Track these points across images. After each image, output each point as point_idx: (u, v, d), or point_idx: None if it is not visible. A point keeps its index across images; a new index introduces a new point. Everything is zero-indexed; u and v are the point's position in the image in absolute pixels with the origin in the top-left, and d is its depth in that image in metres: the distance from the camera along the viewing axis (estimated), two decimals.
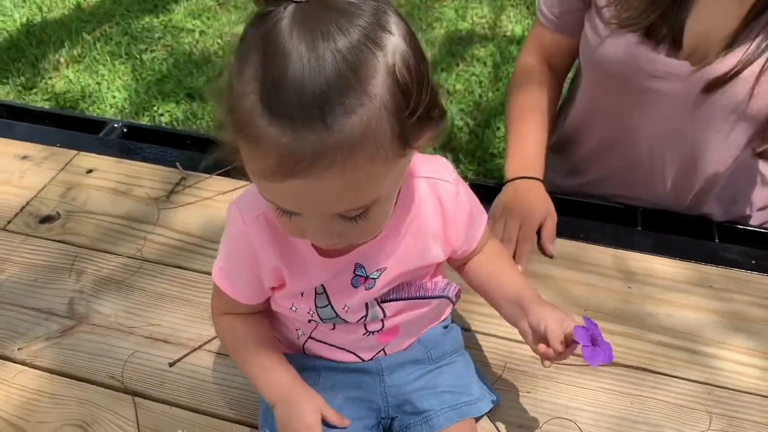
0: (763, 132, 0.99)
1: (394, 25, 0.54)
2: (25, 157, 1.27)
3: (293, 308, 0.75)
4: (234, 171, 0.61)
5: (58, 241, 1.12)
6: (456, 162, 2.36)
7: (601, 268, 1.05)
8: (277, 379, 0.77)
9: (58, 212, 1.16)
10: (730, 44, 0.93)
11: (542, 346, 0.73)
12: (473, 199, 0.78)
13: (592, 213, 1.14)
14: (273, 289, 0.75)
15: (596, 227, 1.11)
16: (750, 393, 0.89)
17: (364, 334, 0.78)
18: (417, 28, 2.16)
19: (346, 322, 0.76)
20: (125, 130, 1.35)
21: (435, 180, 0.72)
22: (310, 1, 0.52)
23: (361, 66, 0.51)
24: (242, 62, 0.54)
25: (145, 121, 2.58)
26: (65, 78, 2.79)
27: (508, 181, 1.10)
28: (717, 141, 1.03)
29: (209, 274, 1.05)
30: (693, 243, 1.08)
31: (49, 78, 2.80)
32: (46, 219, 1.15)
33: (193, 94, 2.67)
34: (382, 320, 0.77)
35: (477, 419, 0.84)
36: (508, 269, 0.83)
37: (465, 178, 2.28)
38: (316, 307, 0.74)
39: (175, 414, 0.88)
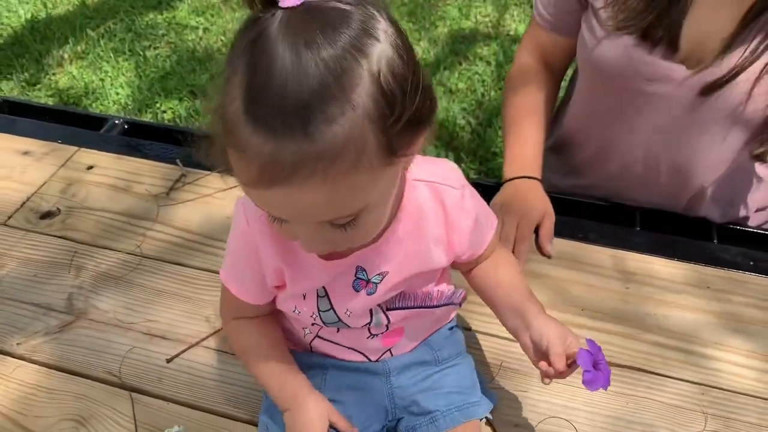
0: (760, 135, 0.99)
1: (381, 31, 0.54)
2: (26, 153, 1.28)
3: (296, 311, 0.75)
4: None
5: (58, 237, 1.12)
6: (458, 161, 2.36)
7: (600, 268, 1.05)
8: (288, 384, 0.78)
9: (58, 208, 1.17)
10: (727, 47, 0.92)
11: (543, 364, 0.72)
12: (480, 205, 0.78)
13: (591, 213, 1.14)
14: (276, 288, 0.76)
15: (595, 227, 1.11)
16: (746, 394, 0.89)
17: (368, 337, 0.78)
18: (420, 27, 2.16)
19: (349, 327, 0.76)
20: (126, 127, 1.36)
21: (439, 185, 0.72)
22: (297, 8, 0.52)
23: (343, 74, 0.51)
24: (231, 68, 0.54)
25: (147, 117, 2.59)
26: (69, 74, 2.79)
27: (507, 181, 1.11)
28: (713, 144, 1.03)
29: (208, 271, 1.06)
30: (691, 244, 1.08)
31: (53, 74, 2.81)
32: (47, 215, 1.16)
33: (195, 91, 2.68)
34: (386, 326, 0.78)
35: (481, 419, 0.85)
36: (514, 278, 0.82)
37: (466, 176, 2.27)
38: (319, 310, 0.74)
39: (172, 410, 0.89)
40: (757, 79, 0.92)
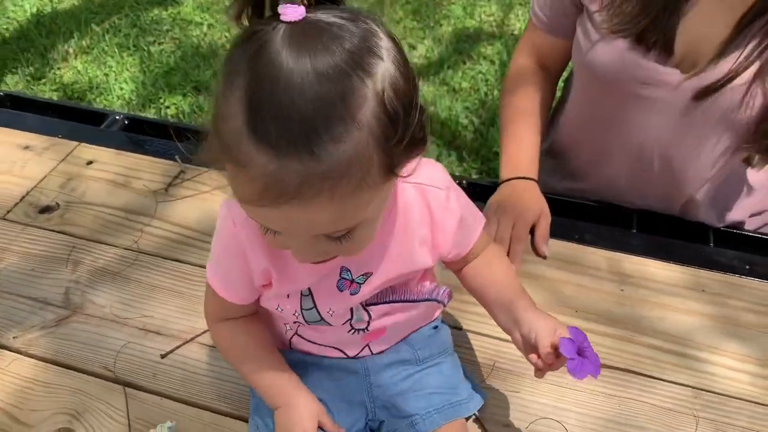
0: (747, 139, 0.98)
1: (384, 49, 0.54)
2: (27, 147, 1.29)
3: (279, 309, 0.76)
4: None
5: (57, 232, 1.13)
6: (459, 160, 2.36)
7: (595, 270, 1.05)
8: (277, 382, 0.78)
9: (57, 203, 1.18)
10: (721, 52, 0.92)
11: (533, 357, 0.73)
12: (466, 205, 0.78)
13: (588, 214, 1.14)
14: (263, 287, 0.76)
15: (591, 228, 1.11)
16: (738, 398, 0.89)
17: (349, 332, 0.79)
18: (424, 25, 2.16)
19: (330, 325, 0.76)
20: (127, 123, 1.36)
21: (424, 186, 0.72)
22: (299, 22, 0.52)
23: (349, 94, 0.51)
24: (229, 82, 0.53)
25: (151, 113, 2.60)
26: (73, 69, 2.80)
27: (503, 182, 1.11)
28: (706, 148, 1.03)
29: (204, 267, 1.06)
30: (688, 247, 1.08)
31: (58, 68, 2.82)
32: (46, 209, 1.16)
33: (199, 87, 2.68)
34: (367, 322, 0.78)
35: (467, 419, 0.85)
36: (504, 275, 0.83)
37: (468, 176, 2.27)
38: (302, 309, 0.75)
39: (165, 405, 0.89)
40: (750, 84, 0.92)
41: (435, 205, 0.73)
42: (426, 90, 2.64)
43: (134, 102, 2.65)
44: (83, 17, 3.06)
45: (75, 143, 1.29)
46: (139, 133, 1.33)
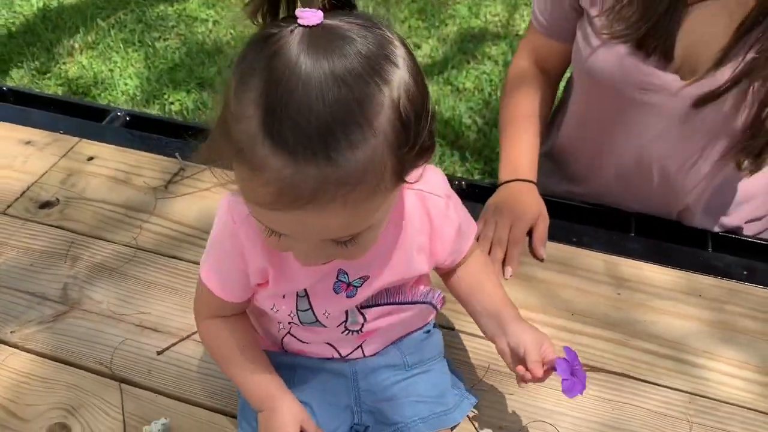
0: (740, 144, 0.98)
1: (400, 57, 0.54)
2: (28, 143, 1.29)
3: (274, 309, 0.76)
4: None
5: (56, 227, 1.13)
6: (462, 160, 2.36)
7: (592, 273, 1.05)
8: (263, 385, 0.78)
9: (57, 198, 1.18)
10: (721, 60, 0.92)
11: (521, 368, 0.74)
12: (463, 214, 0.78)
13: (586, 217, 1.14)
14: (259, 285, 0.76)
15: (589, 231, 1.11)
16: (732, 404, 0.89)
17: (343, 332, 0.79)
18: (429, 24, 2.17)
19: (324, 326, 0.77)
20: (128, 119, 1.37)
21: (425, 193, 0.72)
22: (317, 27, 0.52)
23: (367, 100, 0.51)
24: (243, 83, 0.53)
25: (155, 109, 2.61)
26: (79, 64, 2.81)
27: (502, 184, 1.11)
28: (703, 154, 1.03)
29: None
30: (685, 251, 1.08)
31: (63, 63, 2.83)
32: (46, 204, 1.17)
33: (203, 84, 2.69)
34: (361, 324, 0.78)
35: (453, 428, 0.85)
36: (491, 283, 0.83)
37: (470, 176, 2.27)
38: (297, 310, 0.75)
39: (160, 402, 0.90)
40: (748, 92, 0.91)
41: (435, 212, 0.73)
42: (430, 89, 2.63)
43: (138, 98, 2.66)
44: (89, 12, 3.07)
45: (76, 139, 1.29)
46: (141, 130, 1.34)
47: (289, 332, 0.81)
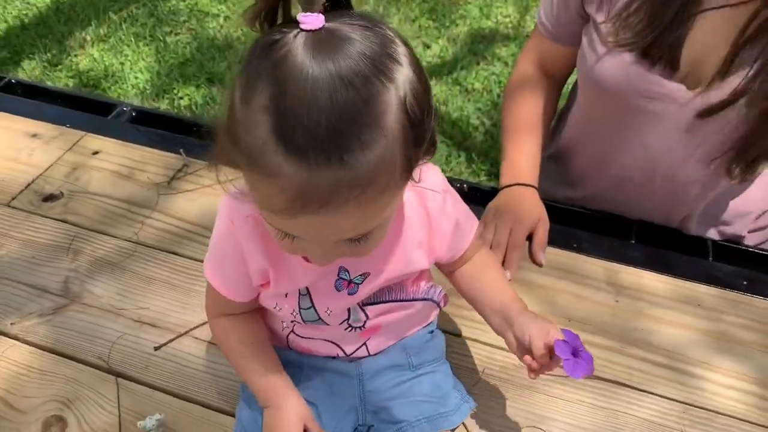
0: (734, 151, 0.98)
1: (402, 55, 0.55)
2: (34, 135, 1.30)
3: (277, 308, 0.76)
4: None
5: (59, 220, 1.14)
6: (468, 161, 2.36)
7: (591, 280, 1.05)
8: (272, 383, 0.79)
9: (61, 191, 1.19)
10: (726, 70, 0.91)
11: (527, 358, 0.74)
12: (461, 209, 0.79)
13: (587, 223, 1.14)
14: (261, 286, 0.76)
15: (589, 238, 1.11)
16: (727, 415, 0.88)
17: (346, 329, 0.79)
18: (439, 24, 2.16)
19: (327, 324, 0.77)
20: (134, 114, 1.37)
21: (422, 190, 0.72)
22: (319, 31, 0.52)
23: (374, 100, 0.52)
24: (249, 90, 0.53)
25: (164, 103, 2.62)
26: (90, 56, 2.83)
27: (503, 188, 1.11)
28: (708, 164, 1.02)
29: (202, 261, 1.07)
30: (685, 260, 1.07)
31: (75, 56, 2.85)
32: (49, 197, 1.18)
33: (213, 79, 2.70)
34: (364, 321, 0.78)
35: (452, 430, 0.85)
36: (496, 279, 0.83)
37: (476, 177, 2.26)
38: (300, 308, 0.75)
39: (156, 397, 0.90)
40: (751, 103, 0.91)
41: (432, 208, 0.73)
42: (438, 89, 2.64)
43: (148, 92, 2.67)
44: (102, 5, 3.08)
45: (82, 133, 1.30)
46: (147, 125, 1.34)
47: (292, 330, 0.81)
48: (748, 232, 1.16)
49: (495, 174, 2.33)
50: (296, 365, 0.83)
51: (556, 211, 1.11)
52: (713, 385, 0.92)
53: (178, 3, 3.13)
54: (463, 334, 0.98)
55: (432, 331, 0.88)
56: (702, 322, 0.99)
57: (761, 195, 1.12)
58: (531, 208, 1.08)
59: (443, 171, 2.43)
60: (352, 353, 0.83)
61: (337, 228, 0.57)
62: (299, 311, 0.75)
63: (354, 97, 0.50)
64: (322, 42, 0.51)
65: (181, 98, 2.62)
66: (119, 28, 2.97)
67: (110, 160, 1.25)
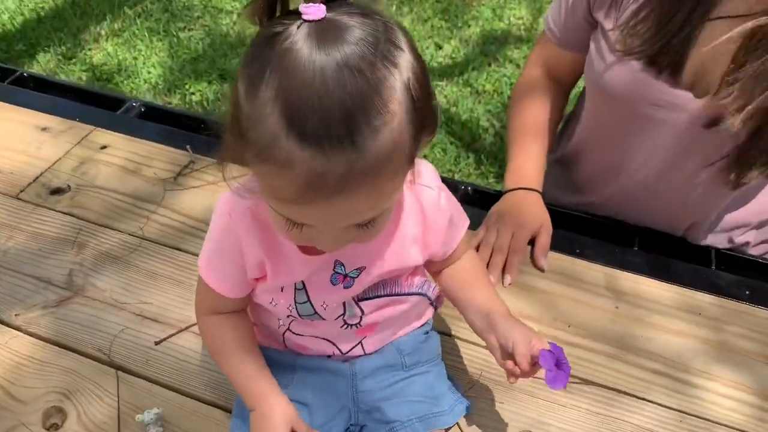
0: (732, 157, 0.97)
1: (402, 40, 0.56)
2: (44, 129, 1.32)
3: (273, 303, 0.77)
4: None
5: (66, 214, 1.15)
6: (477, 163, 2.36)
7: (591, 286, 1.05)
8: (256, 385, 0.79)
9: (68, 185, 1.20)
10: (731, 80, 0.91)
11: (510, 363, 0.75)
12: (454, 205, 0.80)
13: (590, 229, 1.14)
14: (256, 280, 0.77)
15: (592, 243, 1.11)
16: (723, 425, 0.88)
17: (342, 326, 0.80)
18: (452, 25, 2.15)
19: (323, 319, 0.78)
20: (143, 110, 1.39)
21: (418, 186, 0.73)
22: (321, 21, 0.53)
23: (381, 85, 0.53)
24: (254, 83, 0.53)
25: (176, 98, 2.64)
26: (104, 51, 2.85)
27: (507, 191, 1.11)
28: (711, 172, 1.02)
29: None
30: (688, 268, 1.07)
31: (89, 49, 2.87)
32: (57, 191, 1.19)
33: (225, 75, 2.71)
34: (359, 317, 0.79)
35: (447, 430, 0.85)
36: (481, 282, 0.84)
37: (485, 179, 2.25)
38: (296, 302, 0.76)
39: (155, 392, 0.91)
40: (756, 112, 0.90)
41: (427, 204, 0.74)
42: (449, 90, 2.64)
43: (160, 86, 2.69)
44: (117, 0, 3.10)
45: (91, 127, 1.32)
46: (155, 121, 1.35)
47: (288, 328, 0.82)
48: (754, 246, 1.15)
49: (503, 176, 2.32)
50: (289, 366, 0.84)
51: (559, 215, 1.11)
52: (711, 395, 0.92)
53: None
54: (461, 336, 0.98)
55: (427, 332, 0.89)
56: (702, 331, 0.99)
57: None
58: (534, 213, 1.08)
59: (452, 172, 2.43)
60: (347, 352, 0.83)
61: (349, 213, 0.58)
62: (295, 306, 0.76)
63: (361, 83, 0.51)
64: (326, 31, 0.52)
65: (192, 94, 2.64)
66: (133, 23, 2.99)
67: (118, 155, 1.26)
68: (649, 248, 1.10)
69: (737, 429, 0.88)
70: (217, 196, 1.16)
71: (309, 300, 0.75)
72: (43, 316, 1.00)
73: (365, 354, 0.84)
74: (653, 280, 1.05)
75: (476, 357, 0.95)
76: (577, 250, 1.10)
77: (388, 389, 0.83)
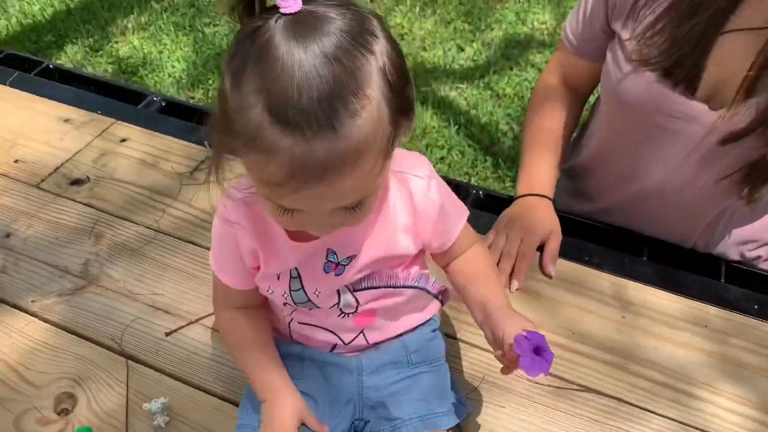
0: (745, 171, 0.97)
1: (377, 28, 0.59)
2: (67, 120, 1.35)
3: (270, 290, 0.79)
4: None
5: (84, 204, 1.18)
6: (495, 166, 2.36)
7: (598, 294, 1.05)
8: (269, 378, 0.82)
9: (88, 176, 1.23)
10: (747, 93, 0.91)
11: (499, 353, 0.75)
12: (448, 196, 0.81)
13: (599, 237, 1.14)
14: (254, 269, 0.79)
15: (601, 252, 1.11)
16: None
17: (339, 316, 0.81)
18: (475, 27, 2.16)
19: (318, 307, 0.80)
20: (163, 104, 1.41)
21: (407, 175, 0.76)
22: (298, 13, 0.56)
23: (357, 72, 0.56)
24: (238, 77, 0.56)
25: (199, 93, 2.67)
26: (130, 44, 2.89)
27: (518, 197, 1.11)
28: (724, 185, 1.01)
29: None
30: (696, 280, 1.06)
31: (116, 42, 2.92)
32: (76, 182, 1.22)
33: None
34: (355, 307, 0.81)
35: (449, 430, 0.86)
36: (485, 275, 0.85)
37: (501, 183, 2.24)
38: (290, 290, 0.78)
39: (164, 382, 0.93)
40: None
41: (417, 193, 0.76)
42: (469, 93, 2.64)
43: (184, 81, 2.72)
44: None
45: (112, 120, 1.34)
46: (174, 116, 1.38)
47: (292, 318, 0.84)
48: (764, 261, 1.15)
49: None
50: (298, 358, 0.86)
51: (569, 223, 1.11)
52: (714, 408, 0.92)
53: None
54: (465, 339, 0.99)
55: (434, 330, 0.90)
56: (707, 344, 0.99)
57: None
58: (544, 219, 1.08)
59: (468, 175, 2.43)
60: (350, 342, 0.85)
61: (334, 195, 0.60)
62: (290, 293, 0.78)
63: (338, 71, 0.54)
64: (303, 23, 0.55)
65: (215, 89, 2.66)
66: (160, 17, 3.03)
67: (137, 149, 1.29)
68: (658, 259, 1.10)
69: None
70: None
71: (303, 287, 0.78)
72: (58, 304, 1.03)
73: (368, 345, 0.86)
74: (661, 290, 1.05)
75: (479, 360, 0.96)
76: (586, 258, 1.10)
77: (393, 386, 0.85)
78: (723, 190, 1.02)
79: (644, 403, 0.92)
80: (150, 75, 2.75)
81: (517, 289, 1.04)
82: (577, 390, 0.93)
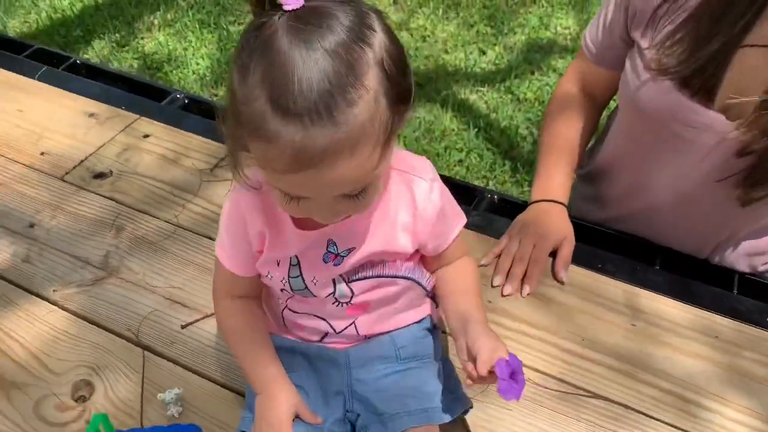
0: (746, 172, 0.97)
1: (376, 22, 0.62)
2: (92, 115, 1.38)
3: (269, 275, 0.82)
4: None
5: (106, 197, 1.21)
6: (513, 170, 2.36)
7: (609, 302, 1.05)
8: (264, 370, 0.84)
9: (111, 170, 1.26)
10: (764, 109, 0.91)
11: (470, 365, 0.76)
12: (448, 200, 0.83)
13: (613, 244, 1.14)
14: (259, 252, 0.81)
15: (614, 259, 1.11)
16: None
17: (334, 304, 0.83)
18: (497, 31, 2.16)
19: (314, 296, 0.81)
20: (186, 102, 1.44)
21: (411, 176, 0.78)
22: (300, 9, 0.59)
23: (355, 64, 0.59)
24: (244, 70, 0.60)
25: (222, 91, 2.70)
26: (155, 40, 2.94)
27: (532, 203, 1.12)
28: (723, 186, 1.01)
29: None
30: (708, 291, 1.07)
31: (141, 38, 2.96)
32: (99, 175, 1.25)
33: None
34: (350, 297, 0.83)
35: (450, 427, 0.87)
36: (468, 286, 0.87)
37: (519, 187, 2.24)
38: (289, 276, 0.80)
39: (178, 373, 0.96)
40: None
41: (419, 193, 0.78)
42: (489, 96, 2.65)
43: (207, 78, 2.76)
44: None
45: (136, 116, 1.37)
46: (197, 113, 1.40)
47: (286, 306, 0.86)
48: None
49: None
50: (289, 351, 0.88)
51: (583, 229, 1.12)
52: (722, 419, 0.92)
53: None
54: None
55: (428, 329, 0.90)
56: (717, 355, 0.99)
57: None
58: (557, 225, 1.09)
59: (486, 179, 2.43)
60: (341, 331, 0.86)
61: (336, 182, 0.63)
62: (288, 280, 0.80)
63: (337, 63, 0.58)
64: (305, 18, 0.58)
65: (227, 85, 2.69)
66: (185, 14, 3.08)
67: (159, 144, 1.32)
68: (670, 268, 1.11)
69: None
70: None
71: (301, 275, 0.80)
72: (78, 294, 1.05)
73: (358, 336, 0.87)
74: (672, 300, 1.05)
75: None
76: (599, 265, 1.11)
77: (381, 381, 0.86)
78: (723, 191, 1.02)
79: (651, 411, 0.92)
80: (174, 71, 2.79)
81: (528, 294, 1.05)
82: (584, 395, 0.93)
